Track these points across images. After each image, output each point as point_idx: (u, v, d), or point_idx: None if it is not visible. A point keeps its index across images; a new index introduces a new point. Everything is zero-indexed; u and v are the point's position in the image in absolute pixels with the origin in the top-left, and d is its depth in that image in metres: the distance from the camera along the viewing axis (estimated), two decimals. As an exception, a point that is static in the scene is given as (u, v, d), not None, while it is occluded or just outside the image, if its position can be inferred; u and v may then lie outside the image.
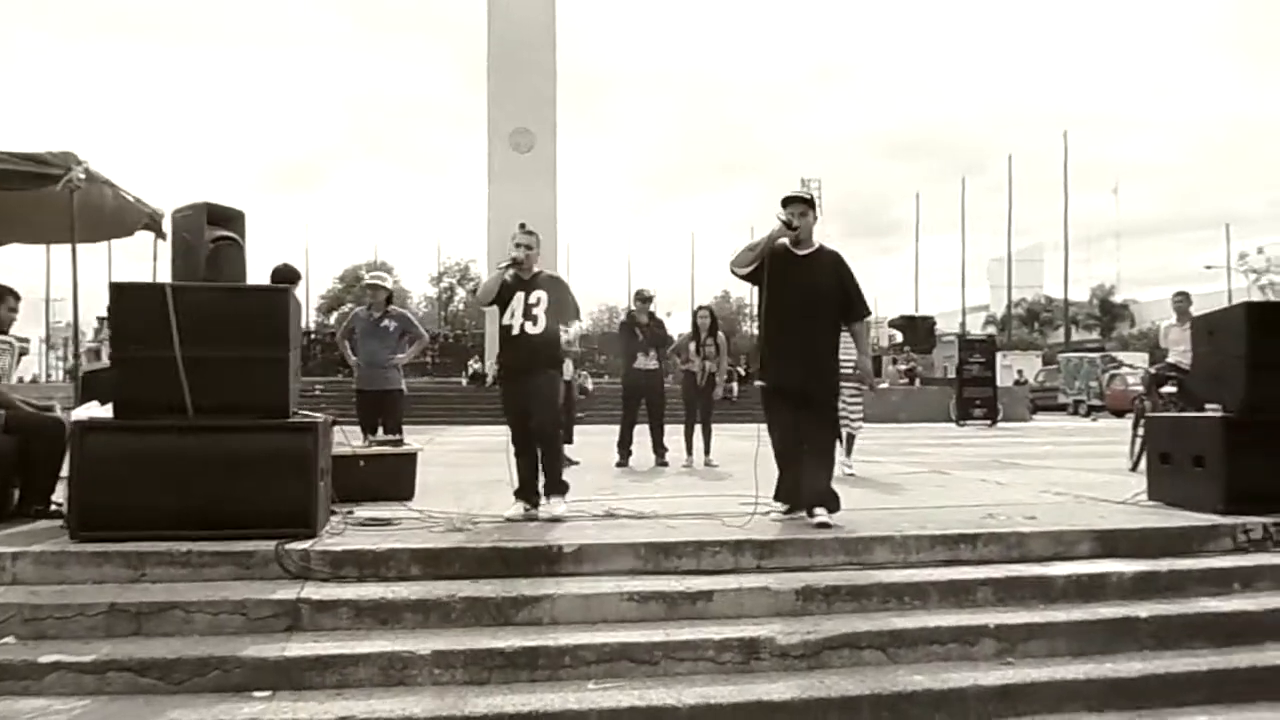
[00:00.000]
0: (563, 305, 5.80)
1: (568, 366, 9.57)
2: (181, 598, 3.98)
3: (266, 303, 4.65)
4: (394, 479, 6.30)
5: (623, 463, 9.42)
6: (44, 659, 3.61)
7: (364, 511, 5.46)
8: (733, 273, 5.52)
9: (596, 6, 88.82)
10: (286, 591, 4.07)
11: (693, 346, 9.55)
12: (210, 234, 6.12)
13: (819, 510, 5.19)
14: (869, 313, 5.98)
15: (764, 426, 5.57)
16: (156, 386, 4.45)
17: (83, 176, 5.07)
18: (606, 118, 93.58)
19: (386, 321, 7.49)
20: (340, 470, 6.16)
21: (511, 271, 5.72)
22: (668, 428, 9.69)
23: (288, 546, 4.29)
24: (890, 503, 6.27)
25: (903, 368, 27.03)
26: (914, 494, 6.81)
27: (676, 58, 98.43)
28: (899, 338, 31.16)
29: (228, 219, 6.36)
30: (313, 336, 35.79)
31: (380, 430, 7.14)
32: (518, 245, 5.78)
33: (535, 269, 5.84)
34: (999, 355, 26.59)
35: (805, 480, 5.34)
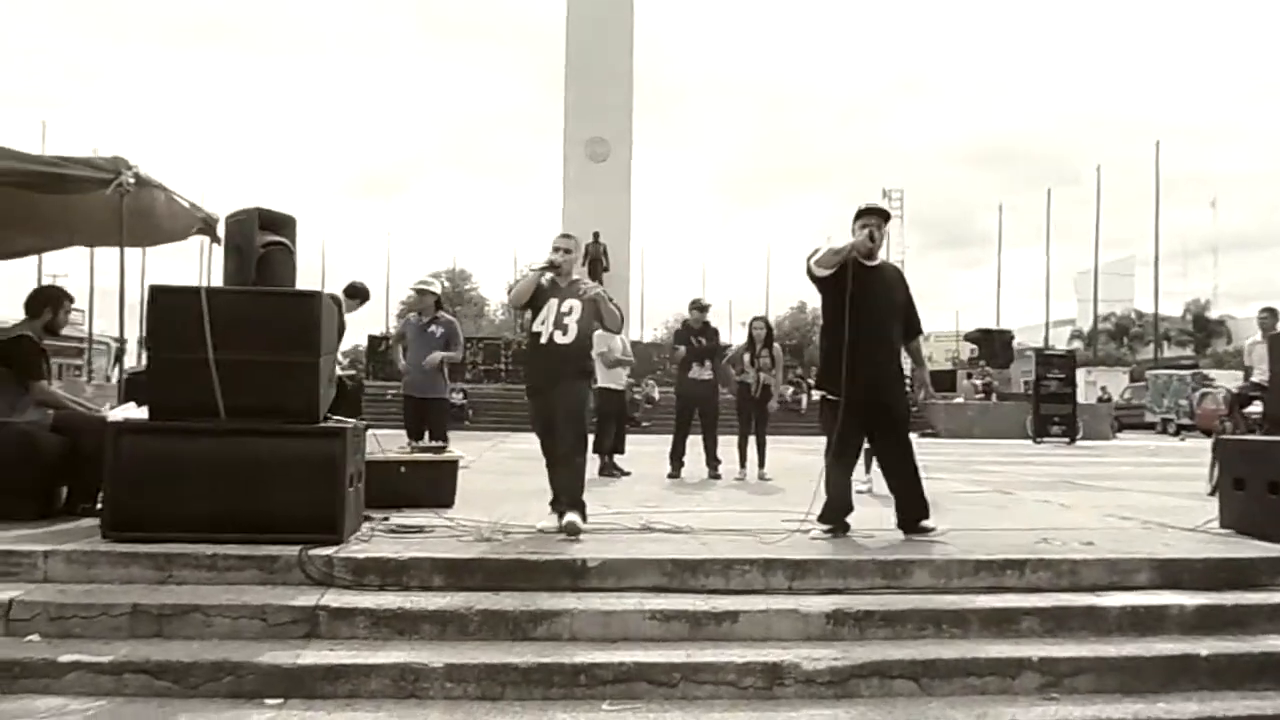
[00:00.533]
0: (597, 317, 5.58)
1: (621, 375, 9.51)
2: (204, 601, 3.99)
3: (297, 308, 4.67)
4: (434, 486, 6.29)
5: (674, 474, 9.28)
6: (64, 658, 3.64)
7: (400, 518, 5.44)
8: (809, 271, 5.36)
9: (675, 16, 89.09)
10: (306, 598, 4.05)
11: (747, 357, 9.37)
12: (261, 239, 6.22)
13: (926, 523, 5.31)
14: (922, 330, 5.91)
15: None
16: (190, 389, 4.49)
17: (132, 181, 5.18)
18: (684, 127, 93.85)
19: (434, 328, 7.51)
20: (380, 476, 6.20)
21: (549, 276, 5.53)
22: (721, 439, 9.52)
23: (311, 552, 4.28)
24: (940, 523, 5.99)
25: (978, 382, 26.27)
26: (968, 514, 6.52)
27: (756, 66, 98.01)
28: (974, 351, 30.34)
29: (279, 224, 6.44)
30: (389, 343, 36.59)
31: (426, 437, 7.14)
32: (556, 249, 5.57)
33: (574, 276, 5.66)
34: (1081, 371, 25.66)
35: (903, 498, 5.40)
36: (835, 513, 5.33)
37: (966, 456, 15.17)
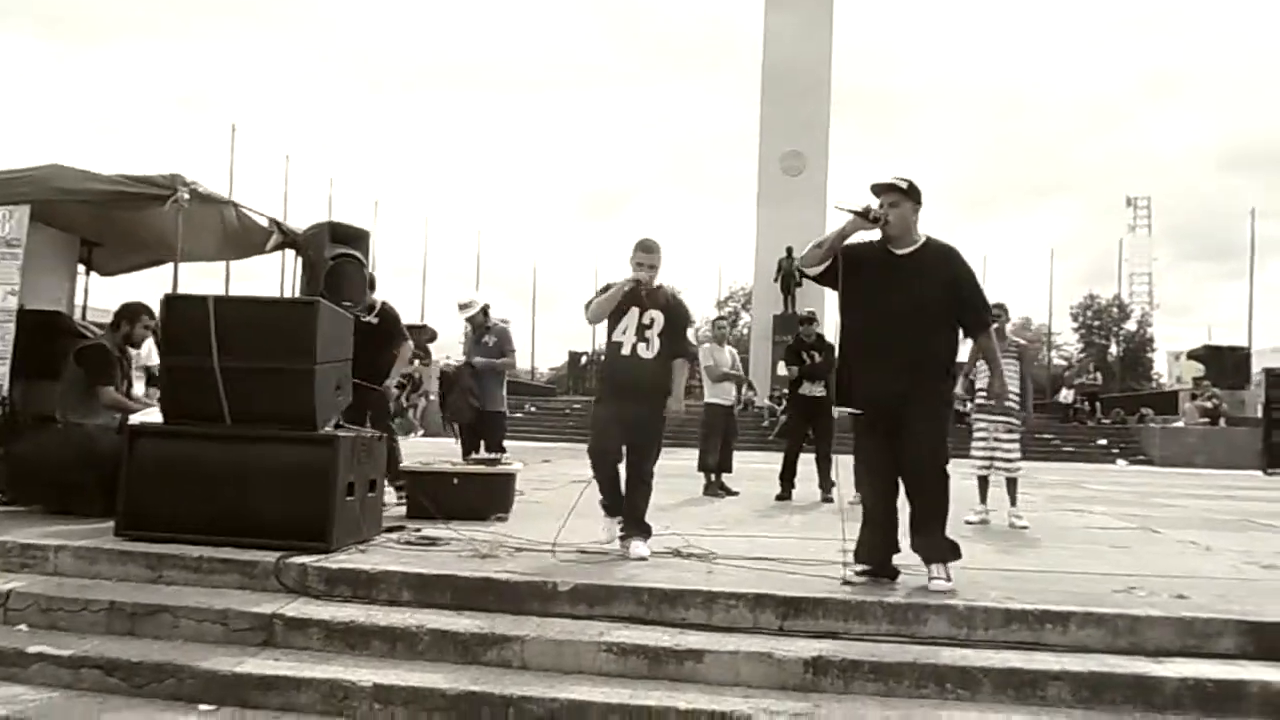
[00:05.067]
0: (677, 332, 5.27)
1: (730, 390, 9.13)
2: (172, 602, 4.07)
3: (296, 316, 4.71)
4: (487, 497, 6.21)
5: (784, 496, 8.76)
6: (31, 649, 3.80)
7: (436, 530, 5.39)
8: (803, 274, 4.69)
9: (905, 23, 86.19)
10: (267, 606, 4.03)
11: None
12: (331, 251, 6.43)
13: (935, 570, 4.30)
14: (992, 320, 4.91)
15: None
16: (200, 394, 4.63)
17: (188, 197, 5.43)
18: (912, 137, 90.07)
19: (487, 338, 7.47)
20: (434, 488, 6.23)
21: (629, 287, 5.14)
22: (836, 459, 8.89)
23: (288, 560, 4.27)
24: (1019, 562, 5.24)
25: (1205, 404, 23.40)
26: (1066, 554, 5.67)
27: (988, 70, 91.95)
28: (1200, 370, 27.08)
29: (352, 238, 6.66)
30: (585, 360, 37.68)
31: (482, 449, 7.09)
32: (639, 265, 5.15)
33: (657, 284, 5.26)
34: (1335, 394, 22.25)
35: (917, 527, 4.44)
36: (871, 550, 4.47)
37: (1160, 487, 13.49)
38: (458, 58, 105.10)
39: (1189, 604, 4.13)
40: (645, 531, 5.15)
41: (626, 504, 5.20)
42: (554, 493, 8.93)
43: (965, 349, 5.90)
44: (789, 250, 29.25)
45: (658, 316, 5.18)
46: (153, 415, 5.04)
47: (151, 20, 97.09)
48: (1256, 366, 26.38)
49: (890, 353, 4.35)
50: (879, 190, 4.45)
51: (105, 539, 4.63)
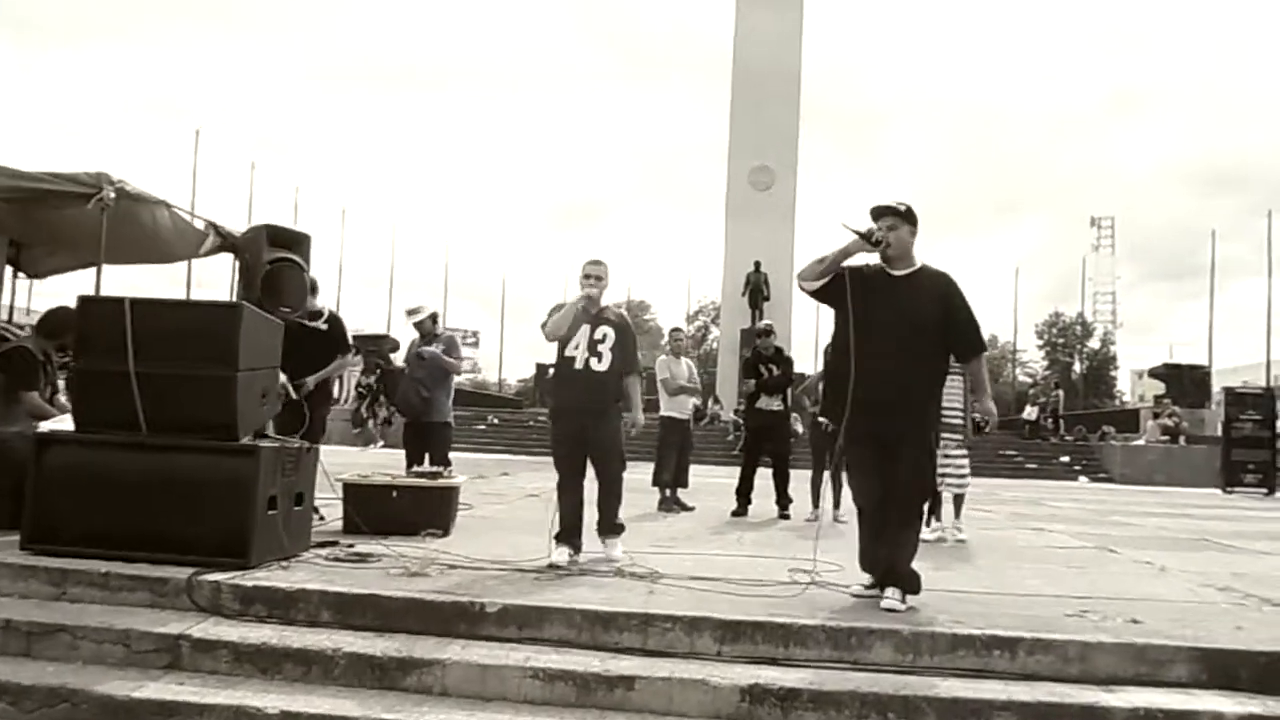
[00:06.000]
0: (627, 347, 5.40)
1: (686, 403, 8.96)
2: (73, 621, 3.81)
3: (217, 320, 4.46)
4: (427, 513, 5.98)
5: (740, 512, 8.58)
6: (-84, 672, 3.53)
7: (368, 546, 5.16)
8: (801, 288, 4.66)
9: (872, 40, 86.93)
10: (173, 626, 3.79)
11: (822, 387, 8.55)
12: (269, 255, 6.18)
13: (890, 593, 4.29)
14: (984, 347, 4.92)
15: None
16: (115, 401, 4.37)
17: (113, 196, 5.18)
18: (879, 154, 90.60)
19: (435, 345, 7.23)
20: (372, 501, 5.99)
21: (582, 304, 5.28)
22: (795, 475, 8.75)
23: (201, 578, 4.03)
24: (971, 583, 5.10)
25: (1165, 423, 23.58)
26: (1021, 574, 5.54)
27: (953, 87, 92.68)
28: (1161, 389, 27.34)
29: (291, 241, 6.41)
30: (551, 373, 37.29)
31: (426, 463, 6.86)
32: (587, 276, 5.34)
33: (604, 303, 5.44)
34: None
35: (881, 551, 4.47)
36: (875, 562, 4.54)
37: (1119, 505, 13.48)
38: (427, 64, 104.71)
39: (1142, 629, 4.00)
40: (619, 531, 5.46)
41: (599, 511, 5.42)
42: (505, 507, 8.71)
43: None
44: (757, 264, 29.30)
45: (609, 331, 5.32)
46: (65, 423, 4.78)
47: (118, 24, 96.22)
48: (1216, 386, 26.70)
49: (882, 372, 4.39)
50: (878, 213, 4.51)
51: (9, 552, 4.35)
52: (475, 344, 58.97)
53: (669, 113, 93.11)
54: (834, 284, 4.52)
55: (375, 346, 23.64)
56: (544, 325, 5.41)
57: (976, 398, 5.12)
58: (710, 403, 28.16)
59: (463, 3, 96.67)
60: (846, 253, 4.47)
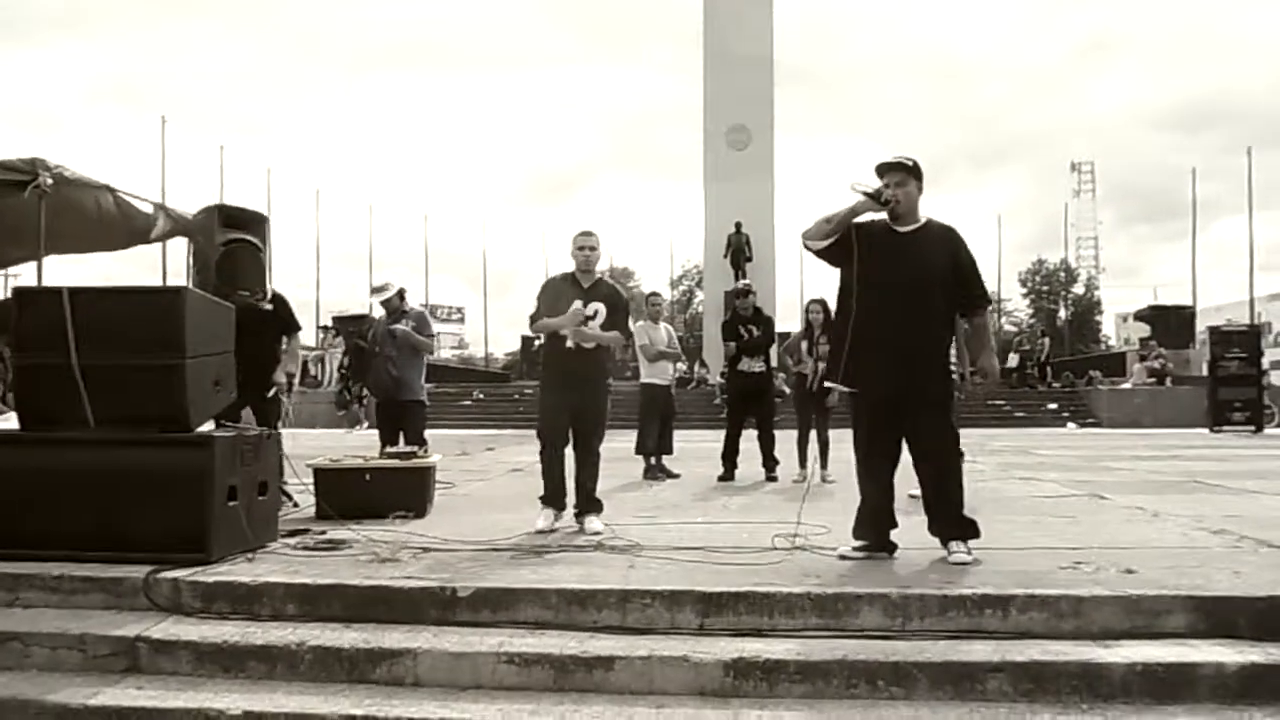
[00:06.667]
0: (619, 324, 5.45)
1: (667, 369, 8.79)
2: (25, 628, 3.65)
3: (161, 306, 4.24)
4: (402, 494, 5.81)
5: (726, 476, 8.45)
6: None
7: (341, 532, 4.99)
8: (805, 247, 4.56)
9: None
10: (131, 628, 3.62)
11: (804, 346, 8.40)
12: (223, 236, 5.95)
13: (955, 546, 4.30)
14: (989, 301, 4.84)
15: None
16: (59, 396, 4.17)
17: (50, 182, 4.94)
18: (857, 110, 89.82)
19: (404, 323, 7.01)
20: (345, 485, 5.82)
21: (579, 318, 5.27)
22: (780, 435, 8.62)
23: (159, 575, 3.85)
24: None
25: (1151, 365, 23.57)
26: (1012, 526, 5.42)
27: (924, 43, 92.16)
28: (1146, 331, 27.31)
29: (246, 222, 6.19)
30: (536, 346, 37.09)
31: (401, 442, 6.67)
32: (580, 248, 5.41)
33: (597, 274, 5.50)
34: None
35: (933, 508, 4.46)
36: (868, 528, 4.46)
37: (1110, 449, 13.45)
38: (396, 41, 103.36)
39: (1137, 579, 3.88)
40: (597, 507, 5.42)
41: (577, 483, 5.42)
42: (487, 483, 8.55)
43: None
44: (738, 225, 29.00)
45: (600, 309, 5.35)
46: (10, 422, 4.57)
47: (75, 12, 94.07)
48: (1201, 325, 26.68)
49: (894, 331, 4.35)
50: (884, 170, 4.41)
51: (-43, 560, 4.17)
52: (461, 320, 58.57)
53: (642, 80, 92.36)
54: (840, 243, 4.41)
55: (355, 327, 23.31)
56: (533, 318, 5.48)
57: (977, 354, 4.94)
58: (696, 366, 28.08)
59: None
60: (855, 212, 4.37)
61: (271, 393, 5.88)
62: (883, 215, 4.43)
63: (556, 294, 5.37)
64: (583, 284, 5.39)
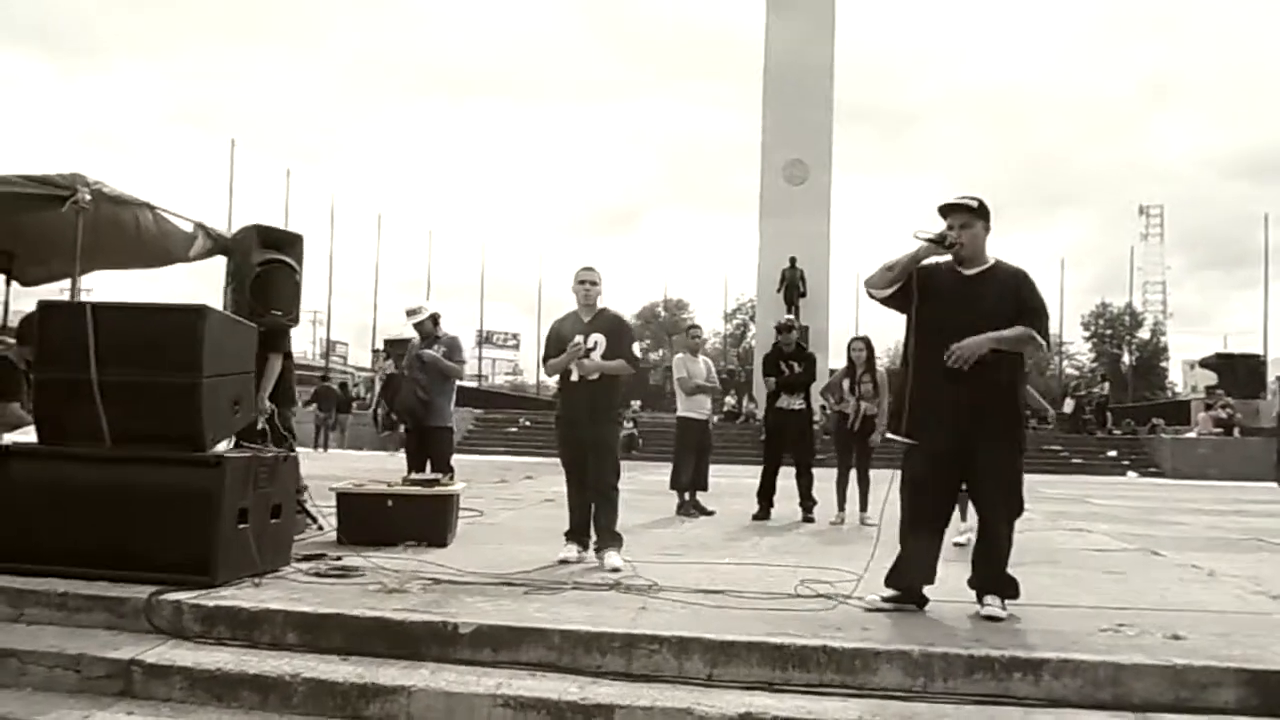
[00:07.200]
0: (621, 349, 5.44)
1: (704, 404, 8.63)
2: (25, 645, 3.60)
3: (180, 325, 4.20)
4: (424, 522, 5.73)
5: (761, 515, 8.22)
6: None
7: (357, 559, 4.91)
8: (870, 295, 4.39)
9: (903, 37, 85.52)
10: (126, 650, 3.55)
11: (846, 384, 8.19)
12: (260, 257, 5.96)
13: (990, 600, 4.10)
14: (1042, 336, 4.34)
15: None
16: (77, 412, 4.16)
17: (89, 198, 4.99)
18: (918, 151, 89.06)
19: (436, 347, 6.94)
20: (368, 510, 5.77)
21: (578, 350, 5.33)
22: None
23: (162, 597, 3.79)
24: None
25: (1217, 414, 22.69)
26: (1055, 581, 5.13)
27: (988, 82, 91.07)
28: (1213, 379, 26.33)
29: (283, 243, 6.19)
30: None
31: (429, 469, 6.59)
32: (581, 282, 5.51)
33: (599, 307, 5.55)
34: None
35: (977, 561, 4.27)
36: (903, 577, 4.24)
37: (1169, 501, 12.90)
38: (459, 70, 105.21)
39: (1183, 646, 3.60)
40: (616, 542, 5.32)
41: (595, 522, 5.41)
42: (518, 513, 8.44)
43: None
44: (792, 260, 28.80)
45: (600, 340, 5.40)
46: (29, 435, 4.59)
47: (150, 37, 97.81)
48: (1272, 375, 25.69)
49: (956, 379, 4.07)
50: (947, 211, 4.24)
51: (-32, 573, 4.17)
52: (516, 346, 59.06)
53: (703, 115, 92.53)
54: (903, 290, 4.23)
55: (403, 350, 23.58)
56: (544, 360, 5.63)
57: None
58: (745, 401, 27.79)
59: (492, 12, 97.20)
60: (917, 258, 4.19)
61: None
62: (948, 257, 4.24)
63: (560, 334, 5.46)
64: (584, 318, 5.47)
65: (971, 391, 4.07)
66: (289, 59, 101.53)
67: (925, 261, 4.23)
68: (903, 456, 4.37)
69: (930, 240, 4.14)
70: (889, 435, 4.57)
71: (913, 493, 4.30)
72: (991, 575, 4.17)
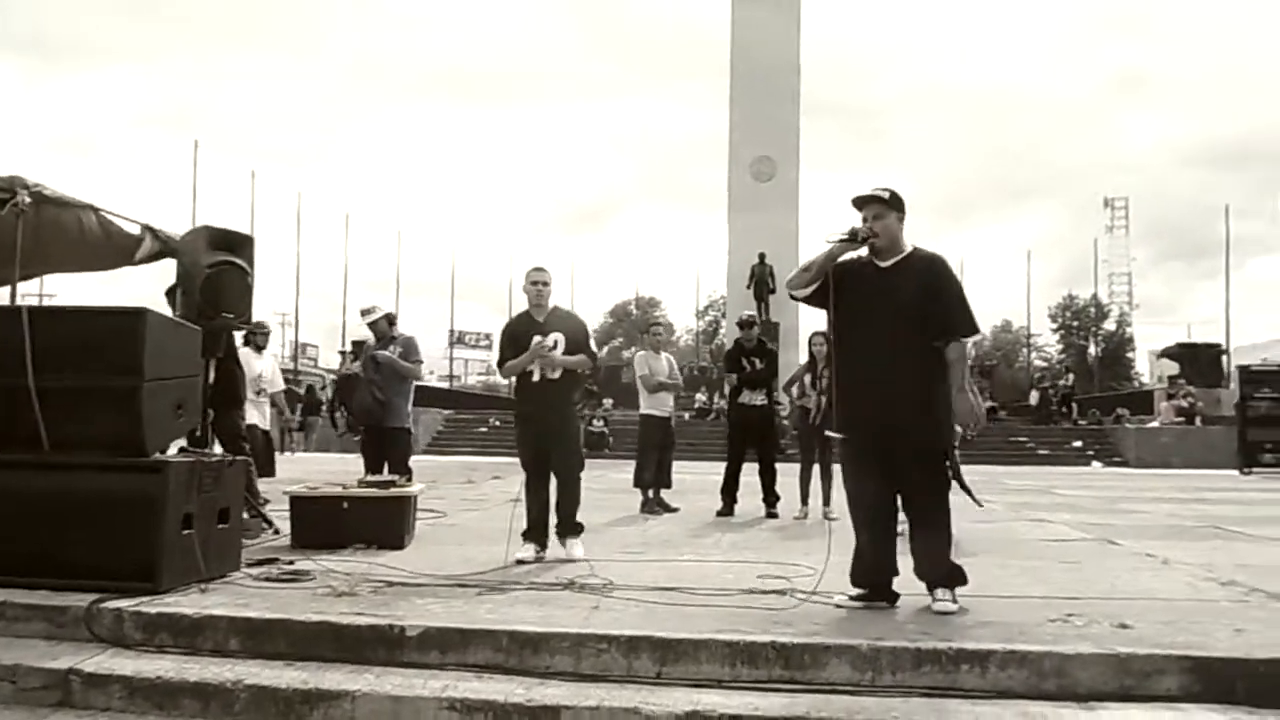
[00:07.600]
0: (579, 345, 5.56)
1: (667, 401, 8.61)
2: (-44, 658, 3.52)
3: (120, 327, 4.12)
4: (380, 524, 5.67)
5: (725, 511, 8.24)
6: None
7: (308, 563, 4.85)
8: (791, 297, 4.42)
9: (869, 33, 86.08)
10: (64, 660, 3.48)
11: (808, 379, 8.21)
12: (210, 258, 5.86)
13: (941, 594, 4.08)
14: (975, 330, 4.39)
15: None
16: (13, 417, 4.07)
17: (28, 201, 4.87)
18: (883, 146, 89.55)
19: (392, 348, 6.88)
20: (323, 513, 5.71)
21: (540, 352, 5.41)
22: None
23: (103, 605, 3.72)
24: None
25: (1179, 404, 23.02)
26: (1008, 573, 5.17)
27: (954, 78, 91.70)
28: (1174, 369, 26.73)
29: (234, 244, 6.08)
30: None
31: (385, 471, 6.54)
32: (534, 283, 5.57)
33: (551, 305, 5.65)
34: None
35: (917, 553, 4.22)
36: (863, 574, 4.23)
37: (1132, 490, 13.06)
38: (428, 71, 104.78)
39: (1129, 635, 3.63)
40: (577, 530, 5.51)
41: (557, 507, 5.51)
42: (481, 513, 8.38)
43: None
44: (761, 256, 28.90)
45: (559, 338, 5.46)
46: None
47: (118, 41, 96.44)
48: (1233, 364, 26.08)
49: (877, 372, 4.13)
50: (860, 203, 4.25)
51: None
52: (488, 346, 58.82)
53: (672, 112, 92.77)
54: (823, 288, 4.23)
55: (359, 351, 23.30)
56: (500, 363, 5.70)
57: (955, 397, 4.20)
58: (716, 397, 27.80)
59: (461, 10, 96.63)
60: (832, 256, 4.19)
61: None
62: (864, 252, 4.24)
63: (515, 334, 5.51)
64: (537, 318, 5.53)
65: (889, 382, 4.10)
66: (260, 61, 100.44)
67: (843, 258, 4.22)
68: (841, 454, 4.40)
69: (842, 239, 4.16)
70: (826, 433, 4.58)
71: (851, 487, 4.36)
72: (934, 566, 4.15)
